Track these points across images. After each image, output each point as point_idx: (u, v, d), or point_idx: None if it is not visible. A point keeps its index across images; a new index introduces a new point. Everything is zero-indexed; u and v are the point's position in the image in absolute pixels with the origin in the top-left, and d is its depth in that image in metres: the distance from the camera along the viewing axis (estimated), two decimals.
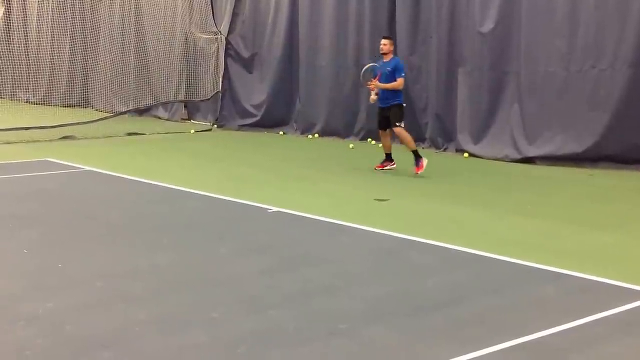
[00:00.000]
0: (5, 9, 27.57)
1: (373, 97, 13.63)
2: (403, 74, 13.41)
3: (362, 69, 14.13)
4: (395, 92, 13.41)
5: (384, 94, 13.45)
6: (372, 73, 13.73)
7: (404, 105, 13.61)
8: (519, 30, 15.21)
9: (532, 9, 14.98)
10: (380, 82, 13.41)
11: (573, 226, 9.78)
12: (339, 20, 18.41)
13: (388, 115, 13.50)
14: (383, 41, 13.72)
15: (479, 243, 8.58)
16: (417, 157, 13.35)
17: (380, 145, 17.01)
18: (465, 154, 15.75)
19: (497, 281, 7.40)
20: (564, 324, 6.07)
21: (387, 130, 13.67)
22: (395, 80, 13.30)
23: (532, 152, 14.94)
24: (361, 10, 18.01)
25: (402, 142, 13.52)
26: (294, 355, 5.51)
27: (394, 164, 13.78)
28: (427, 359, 5.44)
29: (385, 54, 13.60)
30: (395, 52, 14.30)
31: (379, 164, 13.85)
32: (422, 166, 13.28)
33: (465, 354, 5.45)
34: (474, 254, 8.22)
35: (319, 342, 5.73)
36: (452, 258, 8.17)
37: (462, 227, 9.58)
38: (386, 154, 13.83)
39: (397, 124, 13.37)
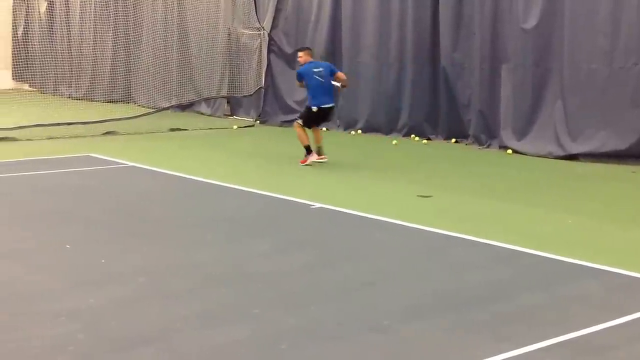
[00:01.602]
0: (48, 4, 27.81)
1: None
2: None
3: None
4: (309, 94, 14.17)
5: (328, 93, 14.04)
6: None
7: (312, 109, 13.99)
8: (562, 27, 15.04)
9: (575, 5, 14.80)
10: (326, 86, 13.99)
11: (616, 223, 9.67)
12: (381, 17, 18.32)
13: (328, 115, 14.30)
14: (300, 54, 14.44)
15: (521, 240, 8.51)
16: (309, 151, 13.78)
17: (425, 141, 17.06)
18: (509, 151, 15.61)
19: (540, 278, 7.33)
20: (607, 321, 6.02)
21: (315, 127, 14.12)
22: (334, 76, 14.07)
23: (575, 149, 14.77)
24: (404, 7, 17.90)
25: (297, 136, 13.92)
26: (335, 351, 5.49)
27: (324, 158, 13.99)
28: (470, 356, 5.39)
29: (303, 64, 14.17)
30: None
31: (302, 159, 14.00)
32: (307, 161, 13.71)
33: (508, 351, 5.41)
34: (517, 250, 8.15)
35: (359, 338, 5.71)
36: (494, 255, 8.12)
37: (505, 224, 9.51)
38: (308, 147, 13.95)
39: (298, 120, 14.06)
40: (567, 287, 7.05)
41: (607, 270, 7.45)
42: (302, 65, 14.18)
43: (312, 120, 14.02)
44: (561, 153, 14.90)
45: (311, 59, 14.28)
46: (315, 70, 13.91)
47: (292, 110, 20.10)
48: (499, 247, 8.30)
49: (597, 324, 5.94)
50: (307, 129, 14.00)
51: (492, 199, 11.09)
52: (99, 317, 6.12)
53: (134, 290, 6.84)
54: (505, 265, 7.75)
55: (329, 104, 14.02)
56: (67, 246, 8.26)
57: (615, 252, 8.23)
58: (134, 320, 6.05)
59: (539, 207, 10.57)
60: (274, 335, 5.74)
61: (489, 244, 8.40)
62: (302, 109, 19.87)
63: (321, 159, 13.87)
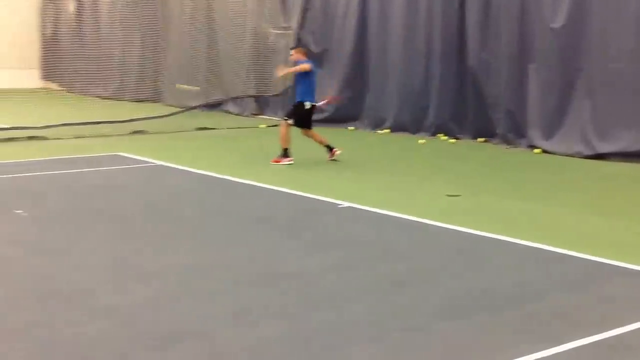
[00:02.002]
0: (76, 4, 27.99)
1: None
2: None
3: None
4: (302, 89, 14.04)
5: (297, 90, 14.14)
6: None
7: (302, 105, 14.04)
8: (590, 26, 14.99)
9: (603, 5, 14.76)
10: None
11: None
12: (408, 16, 18.31)
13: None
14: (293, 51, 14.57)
15: (552, 240, 8.48)
16: (285, 154, 13.83)
17: (452, 141, 17.01)
18: (537, 150, 15.56)
19: (572, 278, 7.33)
20: None
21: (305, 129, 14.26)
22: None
23: (603, 148, 14.72)
24: (431, 7, 17.89)
25: (283, 139, 13.88)
26: (369, 350, 5.50)
27: (337, 151, 14.16)
28: (504, 356, 5.38)
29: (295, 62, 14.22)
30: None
31: (329, 155, 14.17)
32: (281, 162, 13.73)
33: (541, 350, 5.40)
34: (548, 250, 8.13)
35: (393, 337, 5.72)
36: (525, 254, 8.10)
37: (535, 224, 9.48)
38: (285, 149, 14.00)
39: (286, 118, 14.07)
40: (600, 287, 7.04)
41: (639, 270, 7.43)
42: (295, 62, 14.26)
43: (305, 118, 14.13)
44: (589, 152, 14.85)
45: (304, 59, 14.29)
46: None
47: (319, 110, 20.08)
48: (530, 246, 8.27)
49: (630, 324, 5.93)
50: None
51: (521, 198, 11.06)
52: (135, 315, 6.17)
53: (168, 287, 6.88)
54: (537, 265, 7.74)
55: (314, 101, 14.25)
56: (98, 244, 8.30)
57: None
58: (169, 318, 6.09)
59: (568, 206, 10.54)
60: (307, 334, 5.77)
61: (519, 244, 8.38)
62: (329, 108, 20.00)
63: (336, 154, 14.12)
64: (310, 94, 14.01)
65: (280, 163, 13.68)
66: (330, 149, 14.10)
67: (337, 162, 14.03)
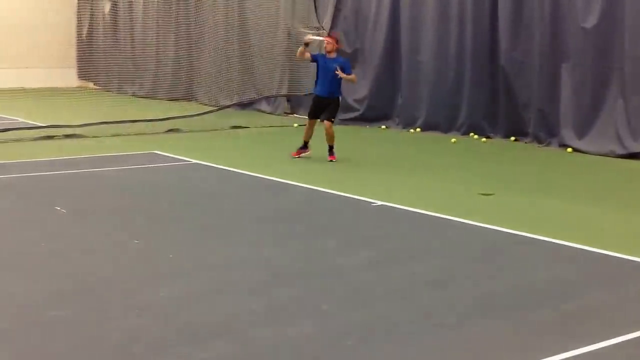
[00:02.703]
0: (112, 4, 28.26)
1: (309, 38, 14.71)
2: (351, 72, 14.24)
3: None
4: (340, 86, 14.09)
5: (331, 87, 13.96)
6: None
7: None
8: (622, 25, 14.94)
9: (636, 3, 14.70)
10: (328, 78, 13.94)
11: None
12: (440, 16, 18.32)
13: (327, 105, 14.01)
14: (328, 39, 14.48)
15: (585, 238, 8.50)
16: (332, 150, 14.06)
17: (484, 140, 17.00)
18: (569, 149, 15.53)
19: (606, 277, 7.35)
20: None
21: (318, 120, 14.20)
22: (339, 79, 13.88)
23: (637, 147, 14.65)
24: (463, 6, 17.89)
25: (328, 134, 13.95)
26: (402, 348, 5.56)
27: (309, 151, 14.33)
28: (538, 353, 5.41)
29: (329, 52, 14.18)
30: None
31: (296, 151, 14.34)
32: (335, 157, 13.99)
33: (576, 348, 5.44)
34: (582, 249, 8.16)
35: (426, 335, 5.78)
36: (559, 253, 8.13)
37: (568, 223, 9.50)
38: (306, 141, 14.32)
39: (333, 119, 14.04)
40: (635, 286, 7.05)
41: None
42: (332, 55, 14.25)
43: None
44: (623, 152, 14.79)
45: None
46: None
47: (351, 109, 20.19)
48: (563, 245, 8.30)
49: None
50: (311, 120, 14.29)
51: (554, 197, 11.07)
52: (170, 310, 6.28)
53: (203, 284, 6.99)
54: (570, 263, 7.77)
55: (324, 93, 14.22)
56: (136, 241, 8.44)
57: None
58: (204, 314, 6.20)
59: (601, 206, 10.54)
60: (340, 331, 5.84)
61: (552, 242, 8.40)
62: (361, 107, 20.08)
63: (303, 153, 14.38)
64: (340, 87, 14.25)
65: (334, 159, 13.95)
66: (306, 146, 14.38)
67: (366, 160, 14.09)
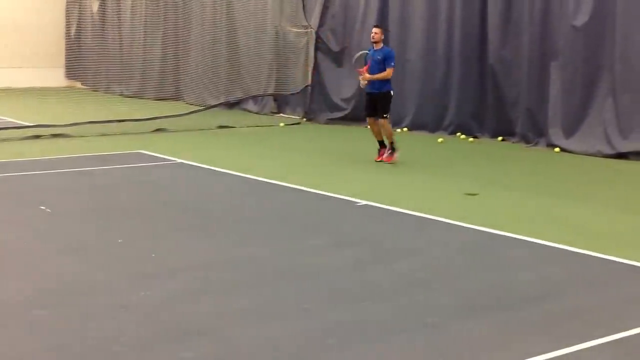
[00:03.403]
0: (100, 3, 28.19)
1: (363, 83, 13.81)
2: (392, 64, 13.64)
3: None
4: (389, 79, 13.69)
5: (376, 80, 13.65)
6: (365, 60, 13.95)
7: (392, 94, 13.84)
8: (613, 23, 14.92)
9: (626, 2, 14.69)
10: (370, 70, 13.63)
11: None
12: (429, 14, 18.30)
13: (376, 102, 13.69)
14: (374, 30, 14.05)
15: (572, 239, 8.51)
16: (393, 149, 13.65)
17: (471, 139, 17.01)
18: (557, 149, 15.54)
19: (590, 277, 7.36)
20: None
21: (375, 118, 13.81)
22: (384, 70, 13.54)
23: (625, 147, 14.64)
24: (452, 4, 17.87)
25: (384, 132, 13.71)
26: (384, 347, 5.56)
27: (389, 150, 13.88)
28: (520, 354, 5.42)
29: (376, 42, 13.88)
30: (387, 42, 14.34)
31: (377, 156, 13.92)
32: (393, 158, 13.59)
33: (559, 349, 5.43)
34: (567, 249, 8.15)
35: (409, 335, 5.78)
36: (543, 253, 8.13)
37: (554, 223, 9.49)
38: (379, 141, 13.90)
39: (385, 115, 13.61)
40: (619, 287, 7.05)
41: None
42: (379, 46, 13.96)
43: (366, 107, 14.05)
44: (610, 152, 14.77)
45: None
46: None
47: (338, 108, 20.19)
48: (549, 246, 8.30)
49: None
50: (370, 119, 13.91)
51: (540, 197, 11.08)
52: (153, 310, 6.27)
53: (187, 284, 6.97)
54: (556, 264, 7.77)
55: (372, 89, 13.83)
56: (119, 241, 8.42)
57: None
58: (186, 313, 6.19)
59: (588, 206, 10.55)
60: (323, 331, 5.84)
61: (538, 243, 8.41)
62: (349, 107, 20.08)
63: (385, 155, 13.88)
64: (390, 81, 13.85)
65: (393, 159, 13.64)
66: (383, 145, 13.90)
67: (352, 160, 14.12)
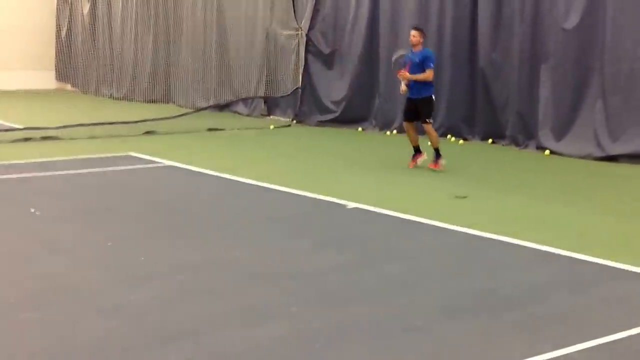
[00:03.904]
0: (90, 5, 28.17)
1: (403, 87, 13.51)
2: (432, 65, 13.21)
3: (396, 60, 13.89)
4: (425, 83, 13.23)
5: (414, 85, 13.26)
6: (403, 62, 13.62)
7: (434, 98, 13.51)
8: (603, 25, 14.94)
9: (617, 4, 14.70)
10: (409, 72, 13.26)
11: None
12: (420, 17, 18.30)
13: (417, 107, 13.35)
14: (413, 32, 13.65)
15: (559, 241, 8.50)
16: (438, 154, 13.29)
17: (461, 142, 17.03)
18: (547, 152, 15.56)
19: (578, 280, 7.35)
20: None
21: (414, 122, 13.50)
22: (424, 72, 13.17)
23: (615, 150, 14.66)
24: (443, 7, 17.89)
25: (430, 138, 13.41)
26: (370, 350, 5.56)
27: (424, 156, 13.61)
28: (504, 357, 5.44)
29: (414, 45, 13.51)
30: (425, 44, 14.13)
31: (411, 161, 13.65)
32: (440, 165, 13.22)
33: (545, 352, 5.44)
34: (555, 252, 8.16)
35: (395, 337, 5.77)
36: (532, 256, 8.13)
37: (543, 225, 9.50)
38: (414, 147, 13.64)
39: (428, 120, 13.29)
40: (605, 289, 7.06)
41: None
42: (418, 48, 13.48)
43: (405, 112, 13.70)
44: (600, 154, 14.78)
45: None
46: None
47: (328, 110, 20.21)
48: (536, 248, 8.31)
49: (636, 327, 5.94)
50: (406, 123, 13.64)
51: (529, 200, 11.09)
52: (140, 313, 6.28)
53: (174, 286, 6.97)
54: (543, 266, 7.77)
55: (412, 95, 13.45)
56: (109, 244, 8.42)
57: None
58: (174, 316, 6.18)
59: (577, 208, 10.56)
60: (310, 334, 5.84)
61: (526, 246, 8.41)
62: (339, 109, 20.10)
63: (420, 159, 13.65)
64: (432, 84, 13.45)
65: (438, 167, 13.23)
66: (418, 151, 13.63)
67: (342, 163, 14.14)
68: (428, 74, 13.17)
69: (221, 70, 23.06)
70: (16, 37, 28.79)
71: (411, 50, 13.59)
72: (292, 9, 21.10)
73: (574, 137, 15.41)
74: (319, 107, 20.60)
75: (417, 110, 13.38)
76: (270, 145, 16.82)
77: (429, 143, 13.51)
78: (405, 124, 13.75)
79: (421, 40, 13.55)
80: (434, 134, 13.43)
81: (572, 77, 15.45)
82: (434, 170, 13.16)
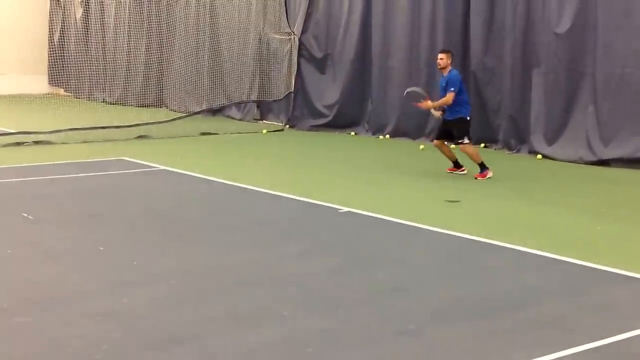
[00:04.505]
0: (83, 10, 28.17)
1: (437, 113, 13.40)
2: (452, 89, 12.90)
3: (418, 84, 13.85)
4: (460, 104, 13.01)
5: (447, 107, 13.10)
6: (418, 97, 13.54)
7: (469, 119, 13.26)
8: (595, 31, 15.01)
9: (609, 9, 14.77)
10: (439, 96, 13.16)
11: None
12: (412, 21, 18.36)
13: (450, 128, 13.19)
14: (440, 55, 13.39)
15: (551, 246, 8.53)
16: (484, 167, 13.13)
17: (453, 146, 17.00)
18: (539, 156, 15.61)
19: (569, 284, 7.37)
20: (638, 328, 6.03)
21: (444, 141, 13.39)
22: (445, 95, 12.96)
23: (607, 154, 14.72)
24: (435, 12, 17.94)
25: (469, 157, 13.20)
26: (362, 354, 5.57)
27: (464, 170, 13.45)
28: None
29: (443, 68, 13.22)
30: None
31: (450, 168, 13.60)
32: (486, 175, 13.05)
33: (536, 357, 5.44)
34: (546, 256, 8.18)
35: (387, 342, 5.79)
36: (523, 260, 8.16)
37: (534, 229, 9.53)
38: (453, 162, 13.54)
39: (460, 141, 13.06)
40: (597, 294, 7.07)
41: (637, 278, 7.46)
42: (446, 71, 13.23)
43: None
44: (592, 158, 14.85)
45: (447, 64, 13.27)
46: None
47: (321, 115, 20.27)
48: (528, 252, 8.33)
49: (628, 331, 5.95)
50: (436, 141, 13.55)
51: (521, 204, 11.13)
52: (132, 317, 6.28)
53: (167, 291, 6.97)
54: (534, 271, 7.79)
55: (447, 117, 13.32)
56: (101, 248, 8.42)
57: None
58: (166, 321, 6.19)
59: (569, 213, 10.59)
60: (302, 338, 5.85)
61: (517, 250, 8.44)
62: (331, 113, 20.12)
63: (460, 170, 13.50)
64: (467, 104, 13.28)
65: (487, 176, 13.05)
66: (457, 165, 13.52)
67: (335, 167, 14.16)
68: (447, 98, 12.93)
69: (214, 75, 23.10)
70: (9, 41, 28.80)
71: (441, 75, 13.36)
72: (285, 13, 21.16)
73: (566, 141, 15.47)
74: (311, 112, 20.64)
75: (451, 131, 13.20)
76: (262, 149, 16.84)
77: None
78: (435, 143, 13.59)
79: (449, 62, 13.20)
80: (471, 151, 13.17)
81: (564, 82, 15.52)
82: (482, 179, 12.97)
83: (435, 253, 8.48)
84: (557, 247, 8.46)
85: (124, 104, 25.99)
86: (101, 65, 27.50)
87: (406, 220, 9.78)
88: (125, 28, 26.64)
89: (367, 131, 19.38)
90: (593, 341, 5.74)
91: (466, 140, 13.09)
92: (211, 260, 8.08)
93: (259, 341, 5.78)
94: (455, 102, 12.96)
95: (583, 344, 5.68)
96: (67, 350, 5.61)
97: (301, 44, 20.72)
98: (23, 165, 13.90)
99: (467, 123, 13.21)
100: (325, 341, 5.79)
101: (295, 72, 20.87)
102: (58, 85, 29.26)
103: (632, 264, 7.84)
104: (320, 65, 20.52)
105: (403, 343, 5.77)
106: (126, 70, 26.52)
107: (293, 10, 21.12)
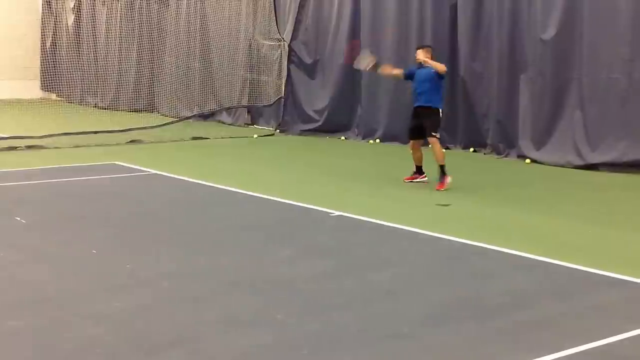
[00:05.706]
0: (75, 16, 28.20)
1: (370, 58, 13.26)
2: (443, 64, 12.76)
3: None
4: (438, 94, 12.63)
5: (430, 95, 12.57)
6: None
7: (441, 112, 12.91)
8: (581, 36, 15.11)
9: (594, 14, 14.87)
10: (417, 88, 12.70)
11: (636, 233, 9.74)
12: (400, 27, 18.46)
13: (423, 121, 12.61)
14: (417, 51, 13.05)
15: (541, 249, 8.58)
16: (443, 173, 12.47)
17: (443, 150, 17.09)
18: (527, 160, 15.70)
19: (560, 287, 7.40)
20: (629, 331, 6.05)
21: (421, 140, 12.81)
22: (434, 86, 12.58)
23: (594, 158, 14.81)
24: (423, 17, 18.04)
25: (434, 155, 12.55)
26: (356, 357, 5.61)
27: (425, 178, 12.98)
28: None
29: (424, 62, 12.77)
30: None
31: (409, 176, 13.09)
32: (445, 184, 12.34)
33: (528, 359, 5.48)
34: (537, 259, 8.23)
35: (380, 345, 5.82)
36: (514, 264, 8.20)
37: (524, 233, 9.59)
38: (417, 166, 12.99)
39: (434, 133, 12.56)
40: (588, 297, 7.12)
41: (627, 280, 7.50)
42: (420, 63, 12.81)
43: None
44: (580, 163, 14.94)
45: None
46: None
47: (311, 120, 20.34)
48: (519, 256, 8.37)
49: (618, 334, 5.98)
50: (412, 141, 12.93)
51: (511, 208, 11.20)
52: (125, 321, 6.32)
53: (159, 294, 7.02)
54: (525, 274, 7.82)
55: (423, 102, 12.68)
56: (94, 251, 8.47)
57: (634, 261, 8.29)
58: (159, 324, 6.23)
59: (558, 216, 10.65)
60: (295, 341, 5.89)
61: (508, 253, 8.49)
62: (321, 118, 20.20)
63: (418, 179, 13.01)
64: (443, 99, 12.96)
65: (445, 186, 12.32)
66: (420, 171, 13.00)
67: (325, 171, 14.22)
68: (443, 65, 12.68)
69: (205, 80, 23.16)
70: (1, 47, 28.80)
71: (421, 65, 12.81)
72: (275, 20, 21.24)
73: (553, 146, 15.56)
74: (301, 117, 20.72)
75: (423, 123, 12.65)
76: (253, 154, 16.92)
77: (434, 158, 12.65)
78: (411, 143, 12.98)
79: (427, 56, 12.82)
80: (439, 150, 12.56)
81: (551, 87, 15.62)
82: (439, 191, 12.26)
83: (427, 256, 8.53)
84: (548, 251, 8.51)
85: (115, 109, 26.05)
86: (93, 70, 27.56)
87: (398, 224, 9.84)
88: (116, 34, 26.71)
89: (357, 135, 19.46)
90: (584, 344, 5.78)
91: (437, 135, 12.71)
92: (203, 263, 8.12)
93: (252, 344, 5.81)
94: (436, 89, 12.61)
95: (574, 347, 5.71)
96: (59, 354, 5.64)
97: (291, 50, 20.81)
98: (16, 169, 13.96)
99: (439, 116, 12.82)
100: (319, 344, 5.84)
101: (286, 77, 20.96)
102: (50, 90, 29.28)
103: (622, 267, 7.88)
104: (310, 70, 20.60)
105: (396, 346, 5.81)
106: (118, 75, 26.58)
107: (283, 17, 21.20)
